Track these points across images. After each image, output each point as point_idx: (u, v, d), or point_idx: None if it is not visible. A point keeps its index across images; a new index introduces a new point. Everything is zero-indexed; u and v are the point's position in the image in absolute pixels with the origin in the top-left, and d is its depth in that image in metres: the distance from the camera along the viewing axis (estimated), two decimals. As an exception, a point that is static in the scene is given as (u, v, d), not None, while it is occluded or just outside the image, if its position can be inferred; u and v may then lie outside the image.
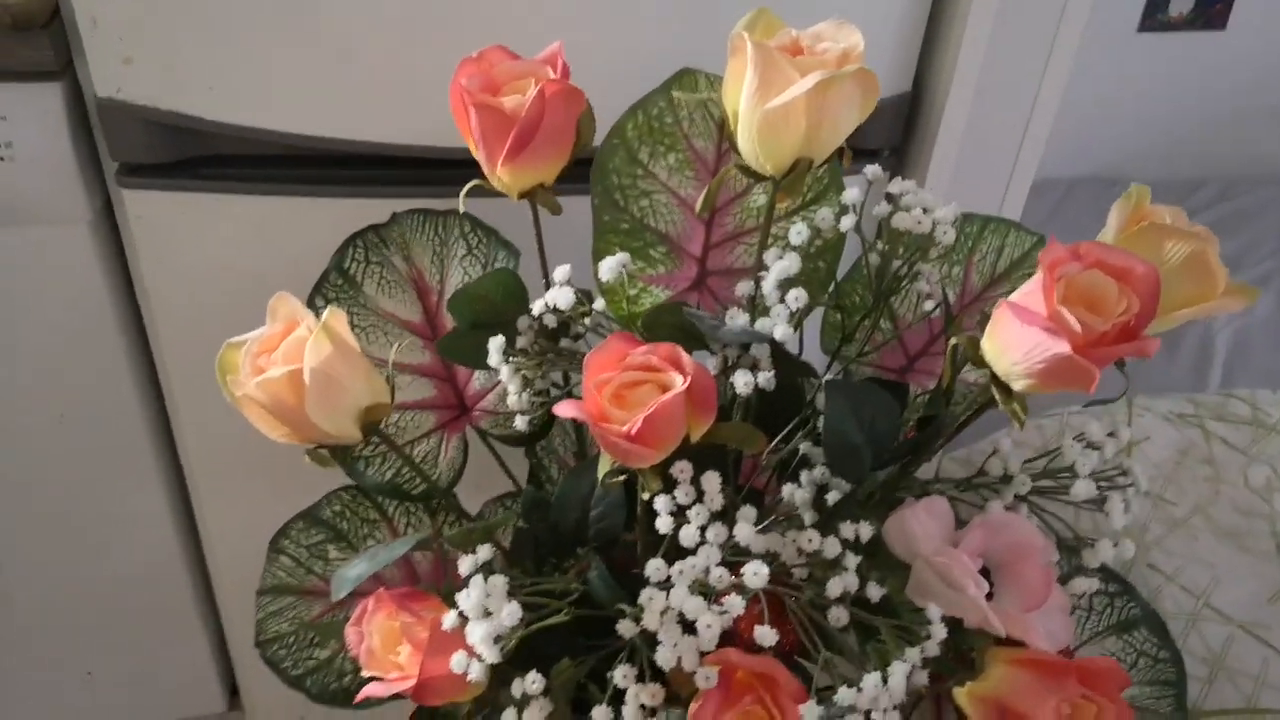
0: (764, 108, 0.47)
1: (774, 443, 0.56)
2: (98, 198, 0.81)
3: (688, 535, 0.48)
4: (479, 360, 0.63)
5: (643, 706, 0.48)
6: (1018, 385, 0.47)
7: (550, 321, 0.58)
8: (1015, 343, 0.45)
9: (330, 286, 0.70)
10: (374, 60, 0.73)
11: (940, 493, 0.55)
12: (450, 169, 0.78)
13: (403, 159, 0.78)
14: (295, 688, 0.66)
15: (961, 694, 0.50)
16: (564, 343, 0.61)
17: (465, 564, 0.49)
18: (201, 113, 0.74)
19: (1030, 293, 0.45)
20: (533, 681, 0.49)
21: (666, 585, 0.47)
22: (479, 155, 0.57)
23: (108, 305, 0.85)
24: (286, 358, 0.47)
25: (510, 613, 0.47)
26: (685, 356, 0.49)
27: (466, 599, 0.48)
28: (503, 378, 0.58)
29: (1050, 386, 0.46)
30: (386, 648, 0.55)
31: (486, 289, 0.60)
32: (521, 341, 0.60)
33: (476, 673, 0.48)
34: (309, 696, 0.65)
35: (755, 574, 0.46)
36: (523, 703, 0.49)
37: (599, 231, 0.60)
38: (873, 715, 0.44)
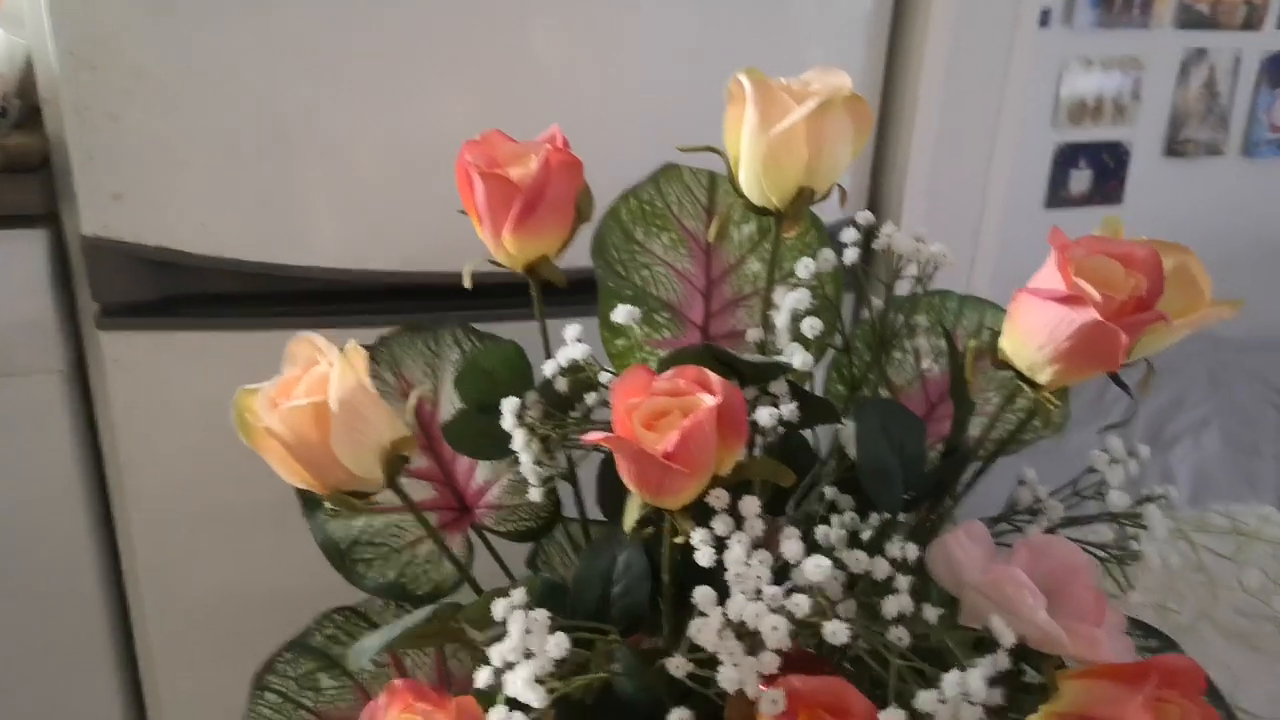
0: (768, 135, 0.50)
1: (799, 483, 0.54)
2: (73, 347, 0.79)
3: (733, 558, 0.46)
4: (484, 446, 0.62)
5: (702, 756, 0.44)
6: (1044, 375, 0.48)
7: (561, 386, 0.58)
8: (1038, 325, 0.46)
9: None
10: (367, 188, 0.76)
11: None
12: (438, 299, 0.80)
13: (390, 292, 0.79)
14: (287, 830, 0.58)
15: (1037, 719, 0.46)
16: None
17: (500, 606, 0.45)
18: (189, 247, 0.75)
19: (1044, 275, 0.46)
20: (579, 743, 0.45)
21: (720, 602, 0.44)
22: (484, 229, 0.59)
23: (73, 460, 0.81)
24: (309, 391, 0.45)
25: (557, 644, 0.43)
26: (713, 376, 0.48)
27: (504, 643, 0.44)
28: (515, 444, 0.56)
29: (1077, 368, 0.46)
30: (404, 744, 0.50)
31: (492, 364, 0.59)
32: (532, 415, 0.59)
33: (519, 723, 0.43)
34: (304, 837, 0.57)
35: (799, 603, 0.43)
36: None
37: (604, 297, 0.61)
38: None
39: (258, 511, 0.80)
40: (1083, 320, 0.44)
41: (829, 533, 0.48)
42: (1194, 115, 1.84)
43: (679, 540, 0.50)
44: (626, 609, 0.56)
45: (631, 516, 0.51)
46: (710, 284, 0.64)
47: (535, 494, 0.57)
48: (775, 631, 0.41)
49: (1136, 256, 0.47)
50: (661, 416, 0.48)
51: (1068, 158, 1.80)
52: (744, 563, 0.44)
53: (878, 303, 0.58)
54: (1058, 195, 1.85)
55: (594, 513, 0.62)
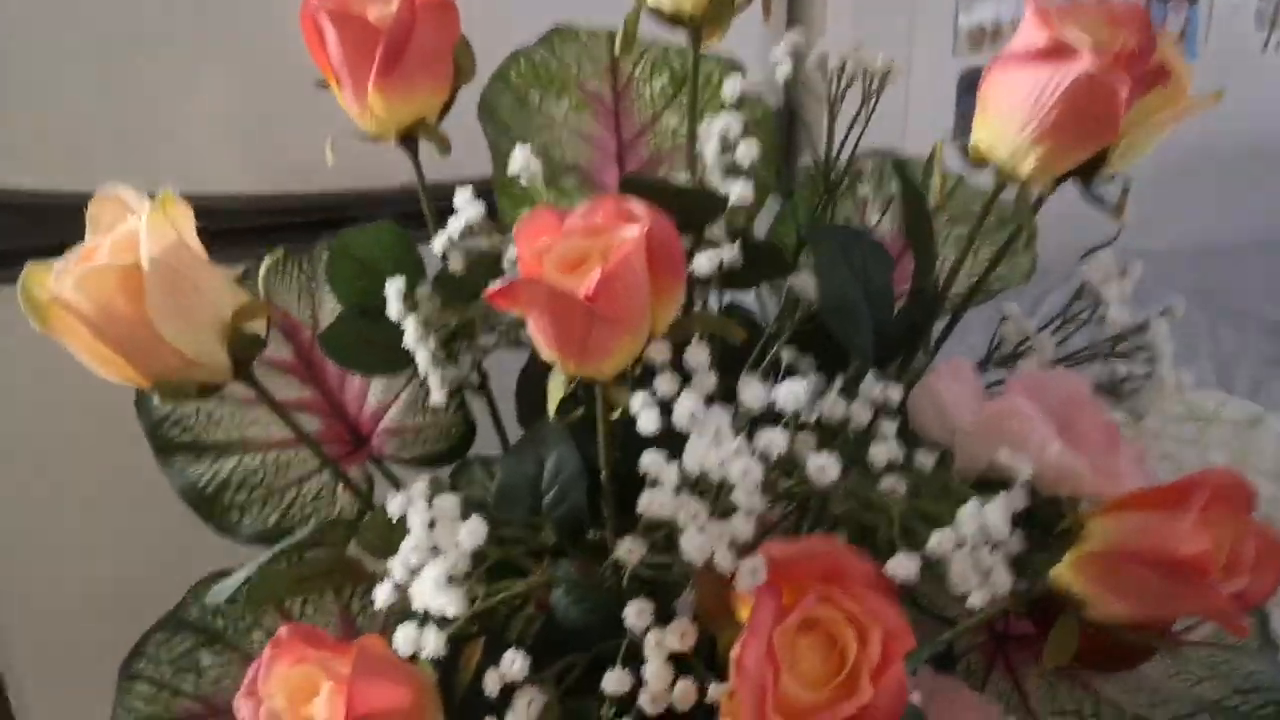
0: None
1: (749, 346, 0.45)
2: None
3: (684, 412, 0.37)
4: (370, 357, 0.52)
5: (670, 661, 0.35)
6: (1029, 163, 0.40)
7: (456, 265, 0.48)
8: (1019, 98, 0.38)
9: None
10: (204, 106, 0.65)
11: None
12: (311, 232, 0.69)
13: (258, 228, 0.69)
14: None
15: (1064, 569, 0.39)
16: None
17: (395, 501, 0.36)
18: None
19: (1021, 38, 0.39)
20: (512, 662, 0.35)
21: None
22: (343, 91, 0.49)
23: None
24: (115, 253, 0.34)
25: (472, 533, 0.34)
26: (637, 204, 0.39)
27: (409, 540, 0.34)
28: (408, 339, 0.47)
29: (1068, 145, 0.39)
30: (296, 703, 0.40)
31: (367, 250, 0.49)
32: (425, 310, 0.49)
33: (432, 643, 0.33)
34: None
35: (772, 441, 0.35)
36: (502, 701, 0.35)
37: (497, 162, 0.52)
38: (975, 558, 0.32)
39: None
40: (1074, 74, 0.36)
41: (793, 390, 0.38)
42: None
43: (615, 417, 0.41)
44: (563, 520, 0.47)
45: (555, 395, 0.42)
46: (623, 147, 0.55)
47: (437, 396, 0.48)
48: (748, 477, 0.32)
49: (1119, 12, 0.39)
50: (579, 263, 0.39)
51: (972, 84, 1.77)
52: (698, 417, 0.35)
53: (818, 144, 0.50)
54: (966, 125, 1.81)
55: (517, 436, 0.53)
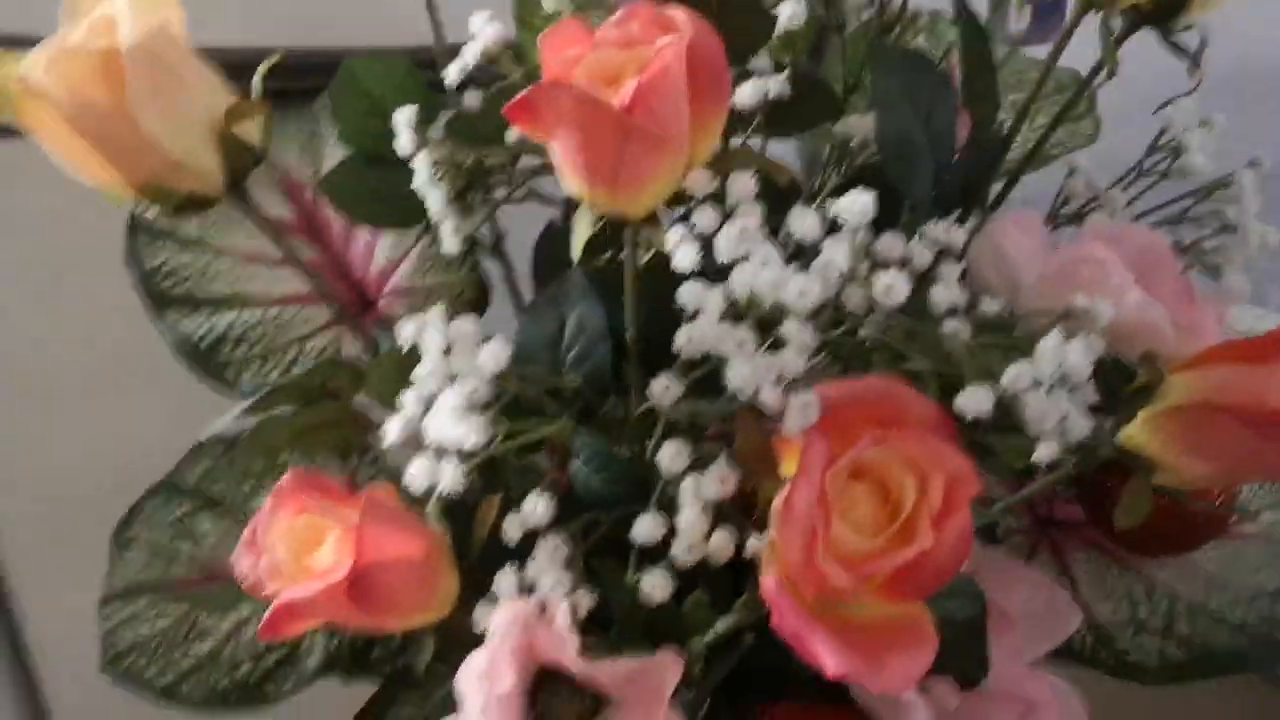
0: None
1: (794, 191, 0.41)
2: None
3: (726, 243, 0.33)
4: (377, 207, 0.48)
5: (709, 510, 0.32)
6: None
7: (473, 102, 0.44)
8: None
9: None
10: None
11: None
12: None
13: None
14: (168, 700, 0.45)
15: (1137, 429, 0.35)
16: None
17: (408, 326, 0.32)
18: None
19: None
20: (535, 507, 0.32)
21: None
22: None
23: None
24: (92, 36, 0.30)
25: (493, 355, 0.30)
26: (679, 13, 0.35)
27: (423, 366, 0.31)
28: (419, 179, 0.43)
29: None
30: (300, 554, 0.37)
31: (375, 83, 0.45)
32: (438, 153, 0.45)
33: (450, 476, 0.30)
34: (189, 707, 0.44)
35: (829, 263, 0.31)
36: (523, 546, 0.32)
37: (520, -9, 0.47)
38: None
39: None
40: None
41: (861, 200, 0.34)
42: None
43: (648, 258, 0.38)
44: (588, 378, 0.43)
45: (581, 237, 0.38)
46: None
47: (450, 244, 0.44)
48: (804, 297, 0.29)
49: None
50: (613, 78, 0.35)
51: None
52: (749, 232, 0.31)
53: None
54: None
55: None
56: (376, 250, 0.52)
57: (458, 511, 0.39)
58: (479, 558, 0.37)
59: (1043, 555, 0.48)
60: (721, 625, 0.34)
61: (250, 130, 0.35)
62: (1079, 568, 0.47)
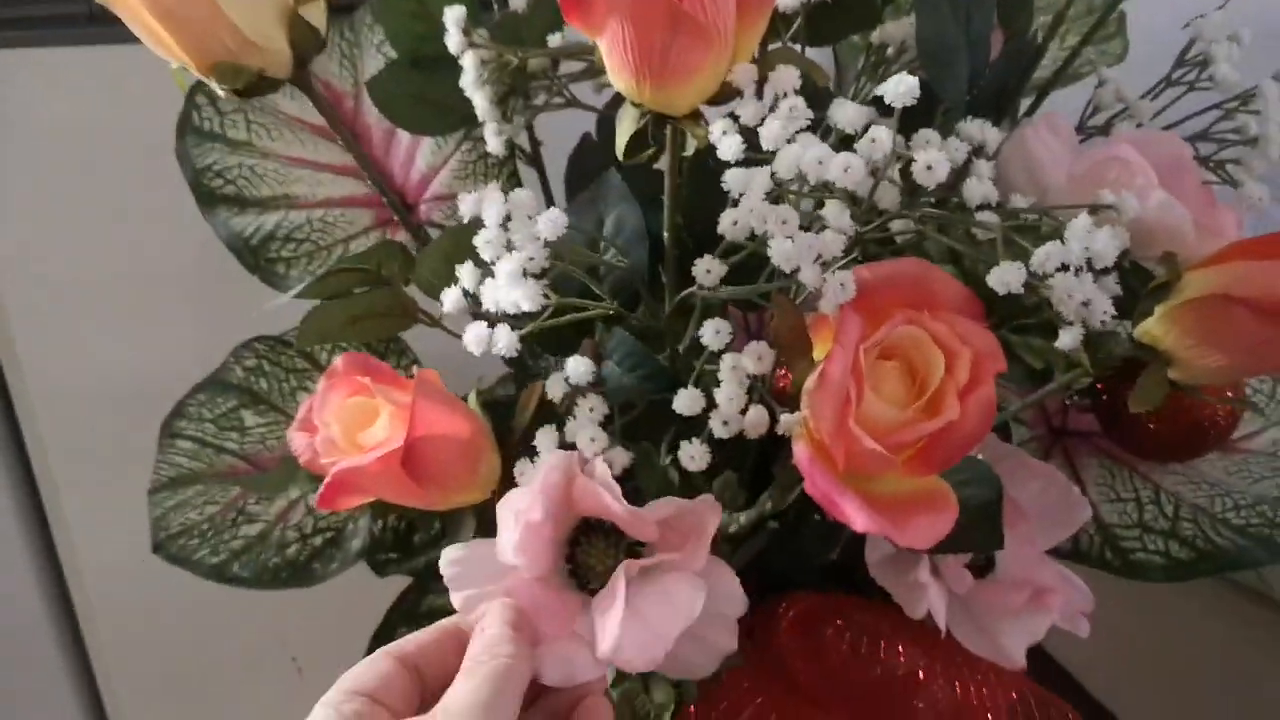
0: None
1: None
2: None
3: (772, 132, 0.34)
4: (422, 114, 0.49)
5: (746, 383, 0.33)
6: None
7: (519, 3, 0.45)
8: None
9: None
10: None
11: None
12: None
13: None
14: (219, 579, 0.47)
15: (1154, 323, 0.37)
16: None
17: (469, 199, 0.34)
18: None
19: None
20: (578, 367, 0.34)
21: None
22: None
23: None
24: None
25: (551, 222, 0.32)
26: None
27: (482, 235, 0.32)
28: (465, 79, 0.44)
29: None
30: (352, 431, 0.39)
31: (422, -10, 0.46)
32: (484, 52, 0.46)
33: (504, 341, 0.32)
34: (239, 584, 0.46)
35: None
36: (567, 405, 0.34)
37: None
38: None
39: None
40: None
41: (906, 81, 0.35)
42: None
43: (691, 152, 0.39)
44: (621, 280, 0.45)
45: (625, 132, 0.40)
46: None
47: (494, 144, 0.45)
48: (849, 173, 0.30)
49: None
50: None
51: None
52: (798, 112, 0.33)
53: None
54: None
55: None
56: (417, 157, 0.53)
57: (495, 407, 0.42)
58: (520, 444, 0.39)
59: (1056, 461, 0.50)
60: (760, 502, 0.35)
61: (315, 13, 0.36)
62: (1089, 473, 0.49)
